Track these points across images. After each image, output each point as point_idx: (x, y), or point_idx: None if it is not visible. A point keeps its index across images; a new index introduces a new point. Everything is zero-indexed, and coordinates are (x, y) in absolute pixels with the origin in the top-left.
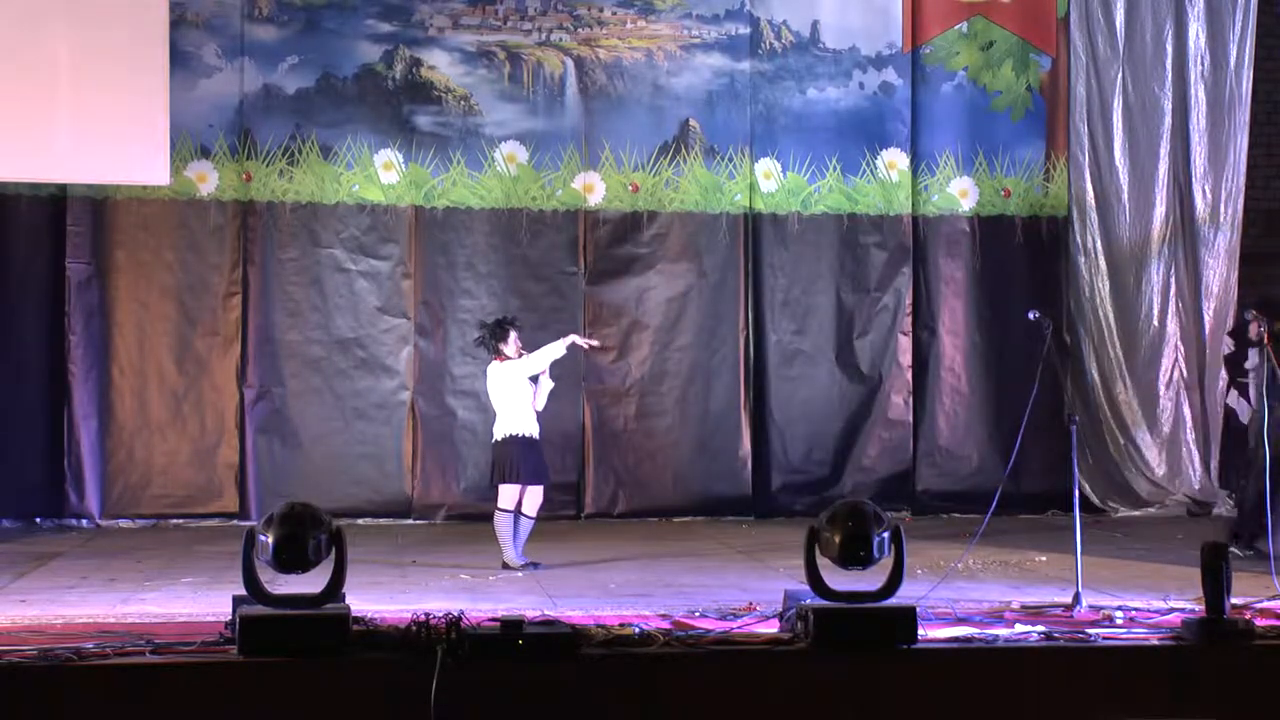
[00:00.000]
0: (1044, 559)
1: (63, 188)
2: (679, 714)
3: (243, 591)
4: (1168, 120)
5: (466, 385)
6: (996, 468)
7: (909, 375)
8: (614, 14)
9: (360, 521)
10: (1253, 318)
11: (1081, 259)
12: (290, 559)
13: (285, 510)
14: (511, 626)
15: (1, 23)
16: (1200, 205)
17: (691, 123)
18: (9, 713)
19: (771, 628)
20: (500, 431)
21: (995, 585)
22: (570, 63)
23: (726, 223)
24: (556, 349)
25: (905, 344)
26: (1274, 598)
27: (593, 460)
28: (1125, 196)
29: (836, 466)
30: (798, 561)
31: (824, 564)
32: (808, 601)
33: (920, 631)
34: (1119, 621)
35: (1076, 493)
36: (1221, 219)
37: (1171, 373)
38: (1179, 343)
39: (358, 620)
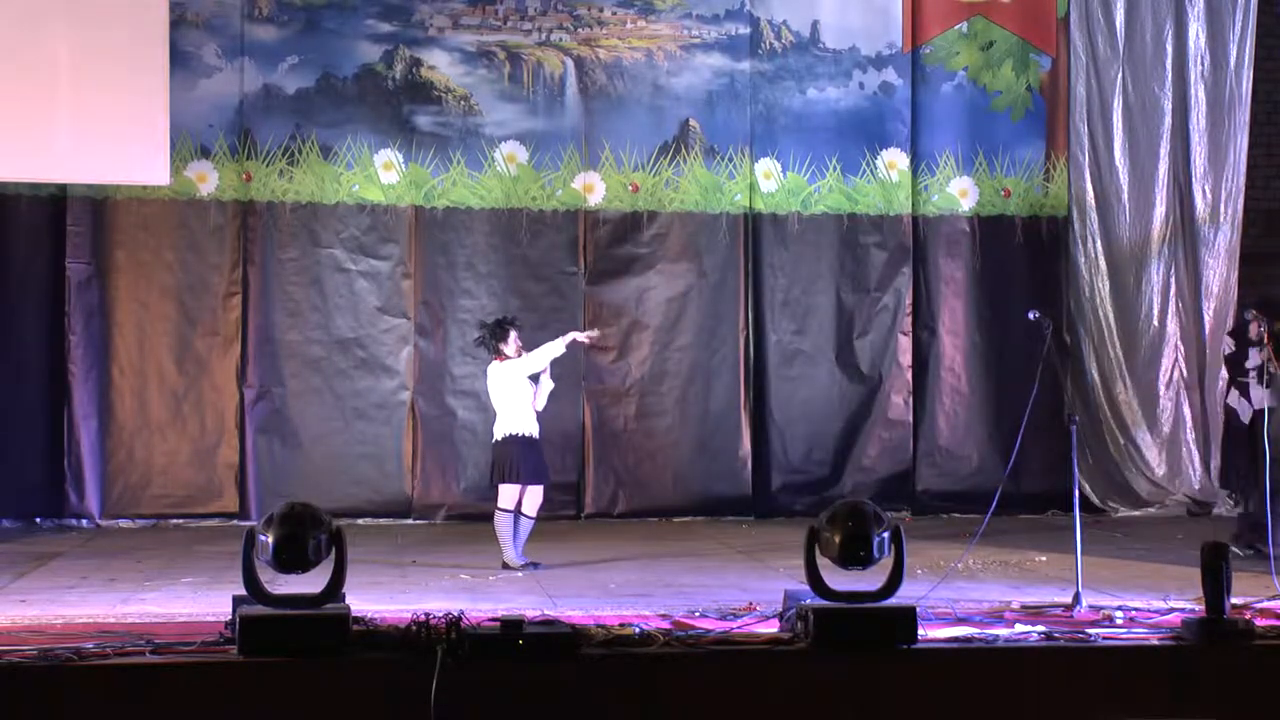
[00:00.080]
0: (1044, 559)
1: (63, 188)
2: (679, 714)
3: (243, 591)
4: (1168, 120)
5: (466, 385)
6: (996, 468)
7: (909, 375)
8: (614, 14)
9: (360, 521)
10: (1253, 318)
11: (1081, 259)
12: (290, 559)
13: (285, 510)
14: (511, 626)
15: (2, 23)
16: (1200, 205)
17: (691, 123)
18: (9, 713)
19: (771, 628)
20: (500, 431)
21: (995, 585)
22: (570, 63)
23: (726, 223)
24: (556, 347)
25: (905, 344)
26: (1274, 598)
27: (593, 460)
28: (1125, 196)
29: (836, 466)
30: (798, 561)
31: (824, 564)
32: (808, 601)
33: (920, 631)
34: (1119, 621)
35: (1076, 493)
36: (1221, 219)
37: (1171, 373)
38: (1179, 343)
39: (358, 620)
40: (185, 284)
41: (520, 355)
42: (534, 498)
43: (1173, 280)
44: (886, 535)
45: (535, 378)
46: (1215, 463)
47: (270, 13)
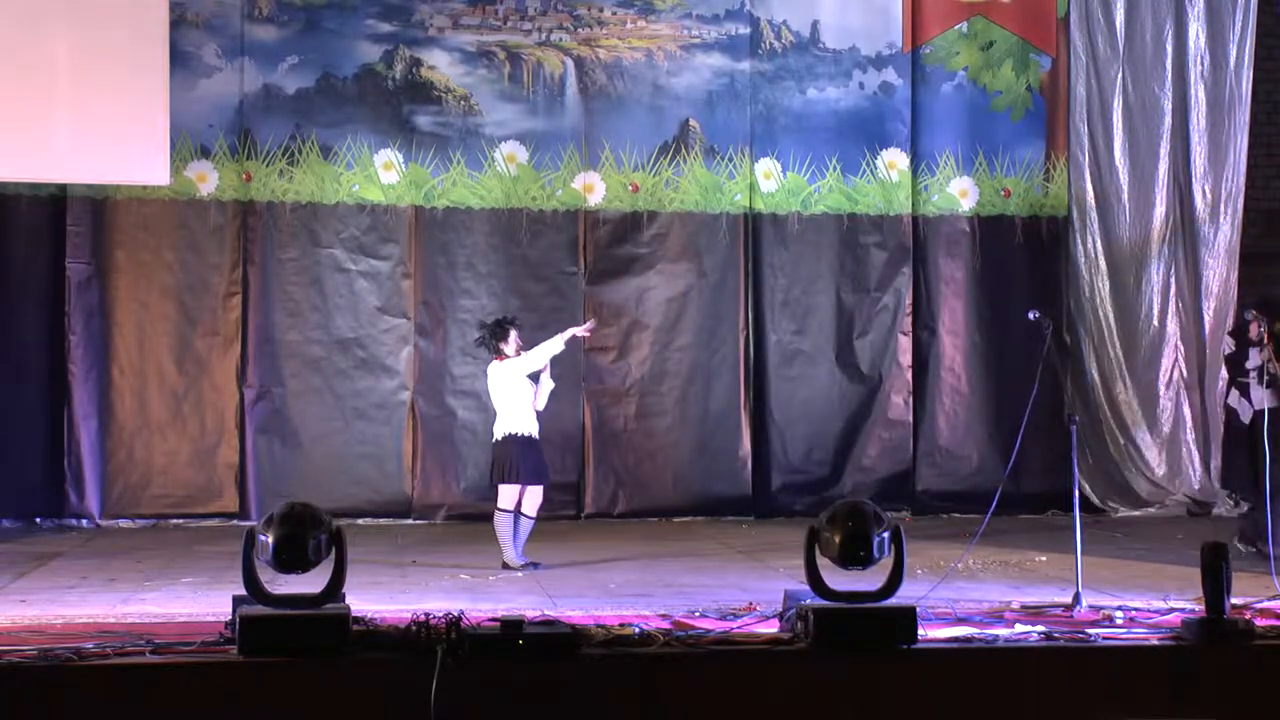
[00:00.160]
0: (1044, 559)
1: (63, 188)
2: (679, 714)
3: (243, 591)
4: (1168, 120)
5: (466, 385)
6: (996, 468)
7: (909, 375)
8: (614, 14)
9: (360, 521)
10: (1253, 318)
11: (1081, 259)
12: (290, 559)
13: (285, 510)
14: (511, 626)
15: (2, 23)
16: (1200, 205)
17: (691, 123)
18: (9, 713)
19: (771, 628)
20: (500, 431)
21: (995, 585)
22: (570, 63)
23: (726, 223)
24: (555, 344)
25: (905, 344)
26: (1274, 598)
27: (593, 460)
28: (1125, 196)
29: (836, 466)
30: (798, 561)
31: (824, 564)
32: (808, 601)
33: (920, 631)
34: (1119, 621)
35: (1076, 493)
36: (1221, 219)
37: (1171, 373)
38: (1179, 343)
39: (358, 620)
40: (185, 284)
41: (520, 355)
42: (534, 498)
43: (1173, 280)
44: (886, 535)
45: (535, 377)
46: (1215, 463)
47: (270, 13)
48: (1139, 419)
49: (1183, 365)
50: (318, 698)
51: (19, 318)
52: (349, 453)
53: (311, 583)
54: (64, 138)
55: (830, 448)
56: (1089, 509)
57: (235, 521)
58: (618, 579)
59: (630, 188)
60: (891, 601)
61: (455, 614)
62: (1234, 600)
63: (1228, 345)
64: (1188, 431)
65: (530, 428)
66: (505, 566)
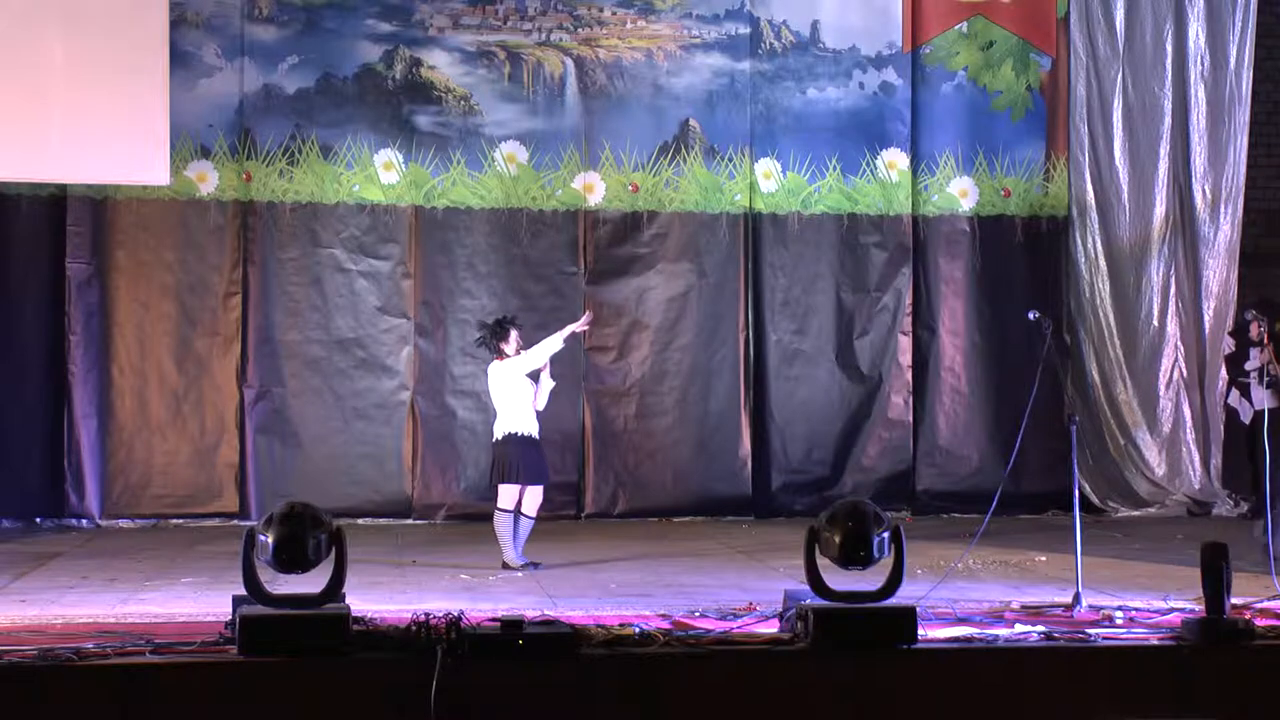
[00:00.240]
0: (1044, 559)
1: (63, 188)
2: (679, 714)
3: (243, 591)
4: (1168, 120)
5: (466, 385)
6: (996, 468)
7: (909, 375)
8: (614, 14)
9: (360, 521)
10: (1253, 318)
11: (1081, 259)
12: (290, 559)
13: (285, 510)
14: (511, 626)
15: (2, 22)
16: (1200, 205)
17: (691, 123)
18: (9, 713)
19: (771, 628)
20: (500, 431)
21: (995, 585)
22: (570, 63)
23: (726, 223)
24: (554, 342)
25: (905, 344)
26: (1274, 598)
27: (593, 460)
28: (1125, 196)
29: (836, 466)
30: (798, 561)
31: (824, 564)
32: (808, 601)
33: (920, 631)
34: (1119, 621)
35: (1076, 493)
36: (1221, 219)
37: (1171, 373)
38: (1179, 343)
39: (358, 620)
40: (185, 284)
41: (520, 355)
42: (534, 498)
43: (1173, 280)
44: (886, 535)
45: (535, 377)
46: (1215, 463)
47: (270, 13)
48: (1139, 419)
49: (1183, 365)
50: (318, 698)
51: (19, 318)
52: (349, 453)
53: (311, 583)
54: (64, 138)
55: (830, 448)
56: (1089, 509)
57: (235, 521)
58: (618, 579)
59: (630, 188)
60: (891, 601)
61: (455, 614)
62: (1234, 600)
63: (1228, 345)
64: (1188, 431)
65: (530, 428)
66: (505, 566)
